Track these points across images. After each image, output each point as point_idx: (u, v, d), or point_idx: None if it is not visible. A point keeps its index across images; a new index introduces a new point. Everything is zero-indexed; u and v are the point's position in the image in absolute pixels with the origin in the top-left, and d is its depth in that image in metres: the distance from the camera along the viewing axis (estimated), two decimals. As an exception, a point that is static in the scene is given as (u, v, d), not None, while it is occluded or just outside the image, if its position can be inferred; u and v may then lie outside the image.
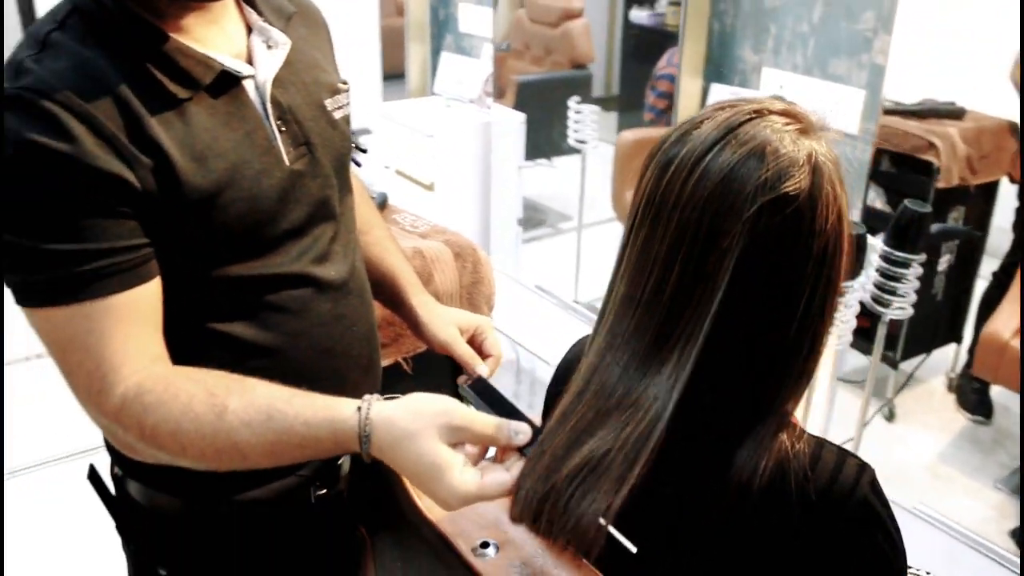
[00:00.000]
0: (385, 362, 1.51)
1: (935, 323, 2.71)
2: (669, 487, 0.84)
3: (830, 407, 2.20)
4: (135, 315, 0.88)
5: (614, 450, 0.83)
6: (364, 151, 1.22)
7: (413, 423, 0.82)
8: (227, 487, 1.03)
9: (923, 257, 1.98)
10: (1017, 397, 2.44)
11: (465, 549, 0.90)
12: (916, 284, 2.01)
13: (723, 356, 0.81)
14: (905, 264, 1.96)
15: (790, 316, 0.80)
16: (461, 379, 1.16)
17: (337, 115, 1.06)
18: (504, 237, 3.17)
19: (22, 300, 0.87)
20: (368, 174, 3.03)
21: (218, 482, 0.99)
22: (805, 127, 0.80)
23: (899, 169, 2.51)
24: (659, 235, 0.81)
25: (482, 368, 1.16)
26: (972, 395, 2.62)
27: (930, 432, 2.65)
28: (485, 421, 0.83)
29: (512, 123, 3.10)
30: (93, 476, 1.14)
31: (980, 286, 2.64)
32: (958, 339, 2.71)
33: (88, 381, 0.87)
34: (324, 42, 1.12)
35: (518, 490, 0.84)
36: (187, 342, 0.94)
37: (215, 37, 0.95)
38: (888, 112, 2.39)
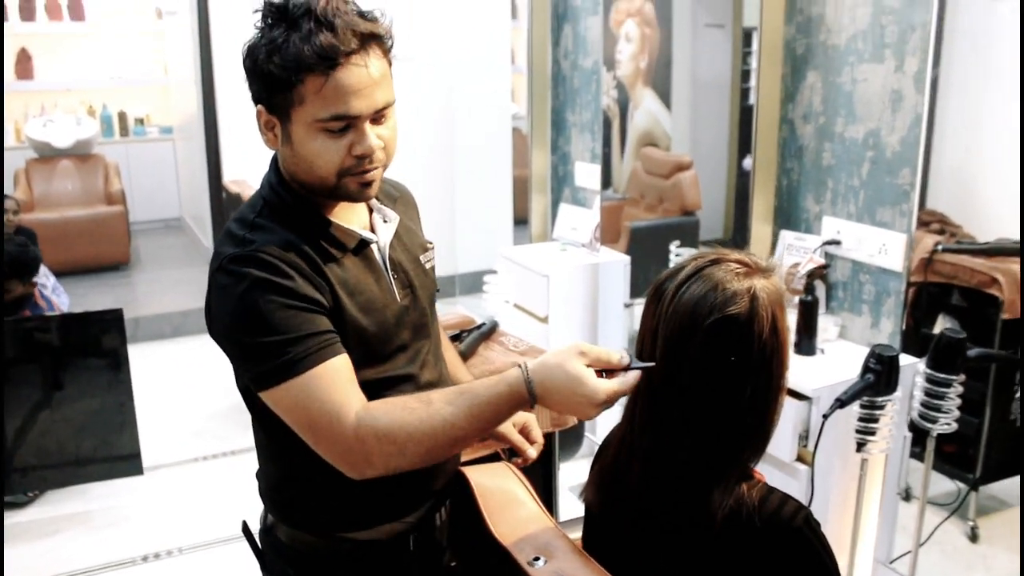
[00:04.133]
0: (485, 452, 1.91)
1: (1017, 449, 2.81)
2: (660, 515, 1.19)
3: (885, 516, 2.39)
4: (343, 373, 1.24)
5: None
6: (438, 290, 1.57)
7: (557, 356, 1.18)
8: (349, 527, 1.39)
9: (962, 377, 2.21)
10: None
11: (522, 561, 1.26)
12: (958, 402, 2.23)
13: (697, 426, 1.17)
14: (946, 384, 2.21)
15: (742, 399, 1.16)
16: (515, 460, 1.55)
17: (427, 266, 1.47)
18: (611, 366, 3.44)
19: (267, 384, 1.22)
20: (491, 307, 3.45)
21: (345, 523, 1.39)
22: (752, 270, 1.18)
23: (968, 302, 2.70)
24: (654, 342, 1.19)
25: (530, 452, 1.54)
26: (1058, 520, 2.70)
27: (1014, 554, 2.71)
28: (600, 348, 1.19)
29: (618, 265, 3.41)
30: (245, 529, 1.53)
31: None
32: (1042, 465, 2.78)
33: (328, 420, 1.20)
34: (415, 215, 1.55)
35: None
36: None
37: (351, 216, 1.37)
38: (958, 251, 2.64)
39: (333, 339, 1.25)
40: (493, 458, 1.70)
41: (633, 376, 1.18)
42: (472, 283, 4.49)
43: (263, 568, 1.51)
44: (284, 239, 1.28)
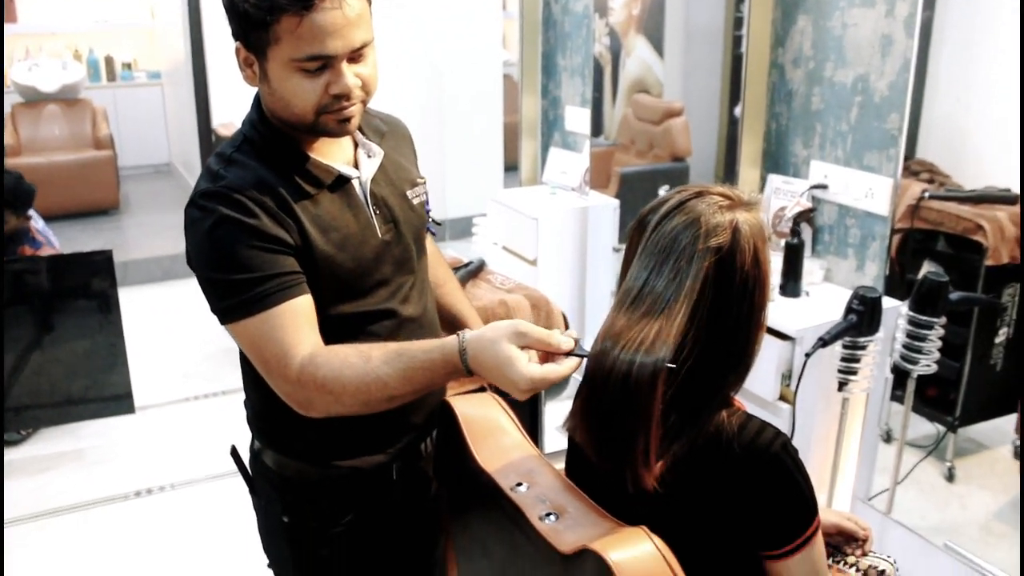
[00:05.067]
0: (472, 386, 1.93)
1: (995, 393, 2.86)
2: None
3: (865, 456, 2.44)
4: (301, 315, 1.26)
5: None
6: (439, 224, 1.60)
7: (493, 333, 1.18)
8: (333, 455, 1.43)
9: (943, 320, 2.25)
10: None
11: (505, 487, 1.29)
12: (938, 344, 2.27)
13: (678, 357, 1.19)
14: (927, 326, 2.24)
15: (724, 330, 1.18)
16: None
17: (415, 201, 1.47)
18: (599, 309, 3.46)
19: (228, 318, 1.26)
20: (480, 250, 3.47)
21: (327, 451, 1.42)
22: (735, 203, 1.19)
23: (953, 248, 2.72)
24: (638, 270, 1.21)
25: None
26: (1034, 459, 2.77)
27: (989, 493, 2.73)
28: (543, 330, 1.17)
29: (607, 209, 3.41)
30: (234, 452, 1.56)
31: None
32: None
33: (277, 360, 1.24)
34: (408, 149, 1.54)
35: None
36: None
37: (334, 151, 1.38)
38: (944, 198, 2.66)
39: (293, 280, 1.27)
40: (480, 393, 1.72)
41: (570, 364, 1.17)
42: (463, 228, 4.49)
43: (252, 492, 1.55)
44: (257, 176, 1.29)
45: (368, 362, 1.22)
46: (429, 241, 1.60)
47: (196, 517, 2.99)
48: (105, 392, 3.45)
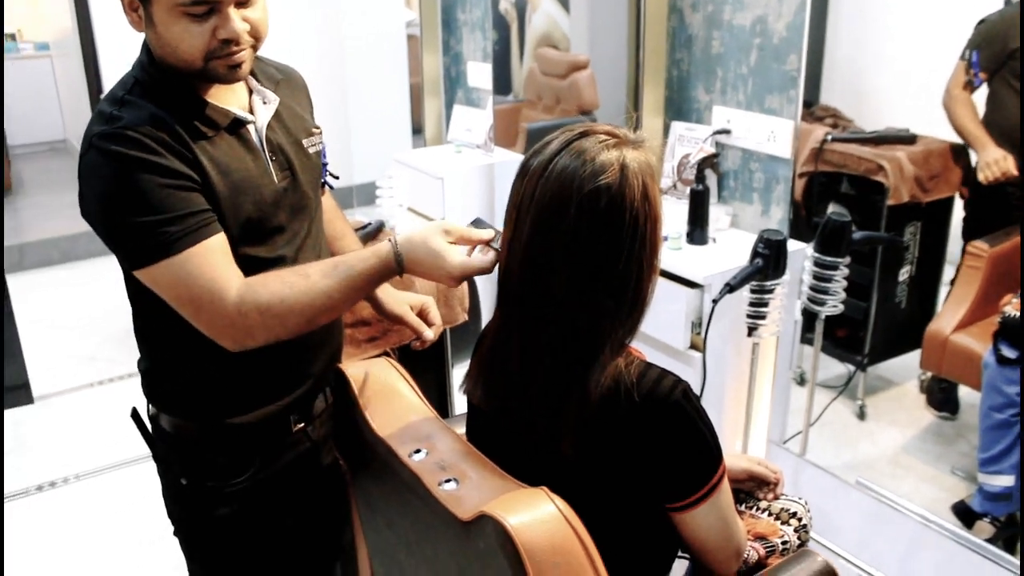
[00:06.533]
0: (375, 352, 1.87)
1: (901, 330, 2.92)
2: (538, 398, 1.18)
3: (778, 399, 2.45)
4: (221, 252, 1.25)
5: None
6: (336, 177, 1.62)
7: (422, 234, 1.28)
8: (224, 412, 1.40)
9: (847, 259, 2.25)
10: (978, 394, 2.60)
11: (403, 454, 1.23)
12: (844, 284, 2.28)
13: (574, 304, 1.15)
14: (832, 267, 2.24)
15: (616, 271, 1.14)
16: (414, 343, 1.53)
17: (311, 150, 1.45)
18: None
19: (141, 263, 1.23)
20: (387, 211, 3.38)
21: (218, 409, 1.40)
22: (621, 141, 1.15)
23: (856, 189, 2.75)
24: (525, 219, 1.16)
25: (428, 333, 1.54)
26: (939, 394, 2.76)
27: (898, 428, 2.80)
28: (463, 227, 1.31)
29: (514, 164, 3.33)
30: (135, 415, 1.53)
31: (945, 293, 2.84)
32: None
33: (210, 296, 1.22)
34: (303, 98, 1.52)
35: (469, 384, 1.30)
36: None
37: (229, 96, 1.35)
38: (846, 140, 2.67)
39: (210, 218, 1.26)
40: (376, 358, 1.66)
41: (492, 256, 1.29)
42: (370, 194, 4.39)
43: (154, 456, 1.52)
44: (153, 115, 1.25)
45: (308, 278, 1.25)
46: (326, 196, 1.61)
47: (106, 506, 2.88)
48: (-1, 384, 3.29)
